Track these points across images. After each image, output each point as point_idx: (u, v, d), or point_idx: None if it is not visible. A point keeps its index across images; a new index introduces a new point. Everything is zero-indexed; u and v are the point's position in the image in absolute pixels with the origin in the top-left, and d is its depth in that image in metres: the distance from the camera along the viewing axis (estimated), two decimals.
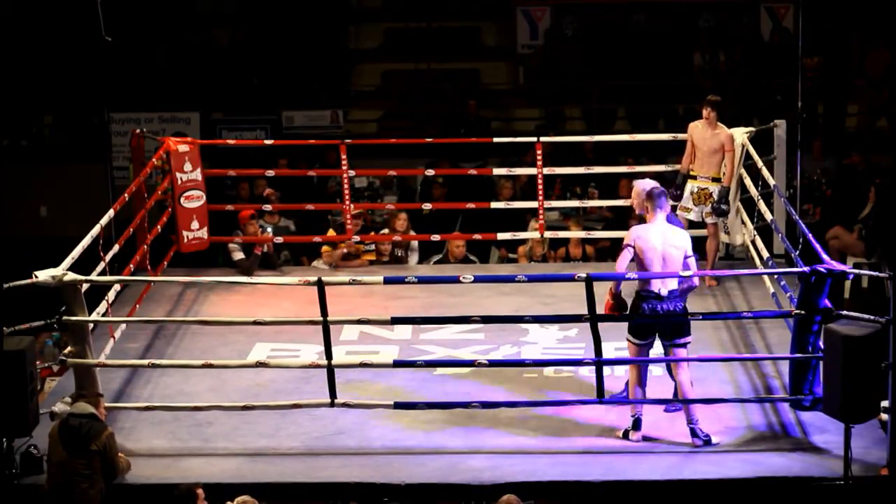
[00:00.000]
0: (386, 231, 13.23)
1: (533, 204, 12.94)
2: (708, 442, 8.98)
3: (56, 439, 8.43)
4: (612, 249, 13.97)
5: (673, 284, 9.02)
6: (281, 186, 14.61)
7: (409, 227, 13.26)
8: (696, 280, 9.30)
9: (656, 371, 10.12)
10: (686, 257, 9.11)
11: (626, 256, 9.10)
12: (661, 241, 9.08)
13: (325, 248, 12.96)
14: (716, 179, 11.70)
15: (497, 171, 13.49)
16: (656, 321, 9.14)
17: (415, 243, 13.36)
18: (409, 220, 13.46)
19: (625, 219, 13.58)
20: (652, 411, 9.32)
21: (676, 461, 8.78)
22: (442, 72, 18.78)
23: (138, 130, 12.65)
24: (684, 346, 9.14)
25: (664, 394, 9.54)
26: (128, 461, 8.72)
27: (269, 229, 13.19)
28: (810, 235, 9.75)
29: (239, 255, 12.80)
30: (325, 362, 9.09)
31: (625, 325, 10.46)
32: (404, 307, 11.30)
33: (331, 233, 13.17)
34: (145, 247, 11.74)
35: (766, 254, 11.30)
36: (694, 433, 9.01)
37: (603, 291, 11.38)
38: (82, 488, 8.30)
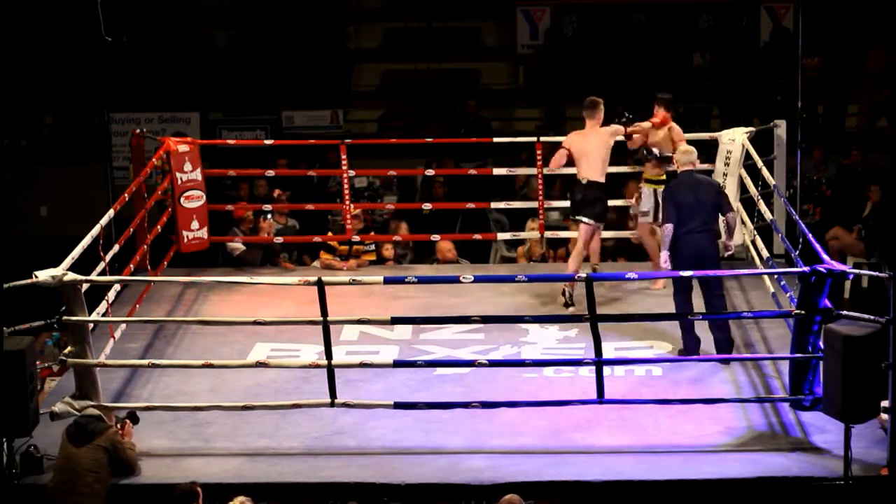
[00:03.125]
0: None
1: (533, 204, 12.94)
2: None
3: (64, 437, 8.55)
4: (612, 249, 13.96)
5: (593, 177, 11.44)
6: (281, 186, 14.61)
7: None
8: None
9: (656, 371, 10.14)
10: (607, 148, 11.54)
11: (560, 153, 11.56)
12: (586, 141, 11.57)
13: (323, 254, 12.93)
14: None
15: (497, 171, 13.48)
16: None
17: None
18: (410, 220, 13.47)
19: (626, 219, 13.57)
20: (652, 411, 9.32)
21: (676, 461, 8.77)
22: (442, 72, 18.77)
23: (138, 130, 12.64)
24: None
25: (664, 394, 9.54)
26: (133, 445, 8.79)
27: (269, 216, 13.23)
28: (810, 235, 9.75)
29: (240, 249, 12.87)
30: (325, 362, 9.09)
31: (624, 325, 10.50)
32: (404, 307, 11.30)
33: (329, 235, 13.14)
34: (145, 247, 11.74)
35: (766, 254, 11.30)
36: None
37: (604, 290, 11.44)
38: (87, 482, 8.36)
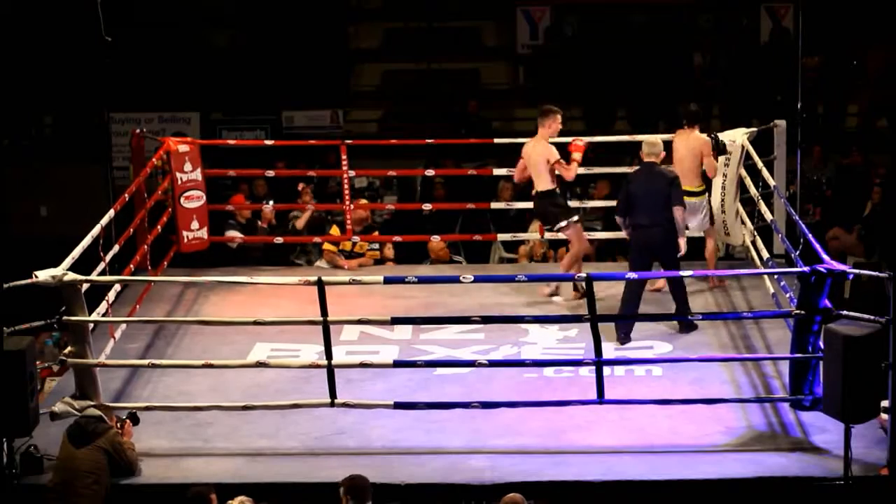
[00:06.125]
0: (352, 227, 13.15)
1: (531, 205, 12.93)
2: None
3: (65, 437, 8.55)
4: (612, 249, 13.97)
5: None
6: (281, 187, 14.61)
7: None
8: None
9: (656, 371, 10.13)
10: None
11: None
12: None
13: (326, 245, 12.93)
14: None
15: (497, 172, 13.47)
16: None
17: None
18: (404, 217, 13.47)
19: None
20: (652, 411, 9.31)
21: (676, 461, 8.77)
22: (442, 72, 18.79)
23: (138, 130, 12.65)
24: None
25: (664, 394, 9.54)
26: (133, 445, 8.79)
27: (270, 202, 13.25)
28: (810, 235, 9.75)
29: (238, 239, 12.96)
30: (325, 362, 9.09)
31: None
32: (404, 307, 11.30)
33: (334, 230, 13.07)
34: (145, 247, 11.74)
35: (766, 254, 11.30)
36: None
37: (601, 289, 11.42)
38: (86, 483, 8.36)
